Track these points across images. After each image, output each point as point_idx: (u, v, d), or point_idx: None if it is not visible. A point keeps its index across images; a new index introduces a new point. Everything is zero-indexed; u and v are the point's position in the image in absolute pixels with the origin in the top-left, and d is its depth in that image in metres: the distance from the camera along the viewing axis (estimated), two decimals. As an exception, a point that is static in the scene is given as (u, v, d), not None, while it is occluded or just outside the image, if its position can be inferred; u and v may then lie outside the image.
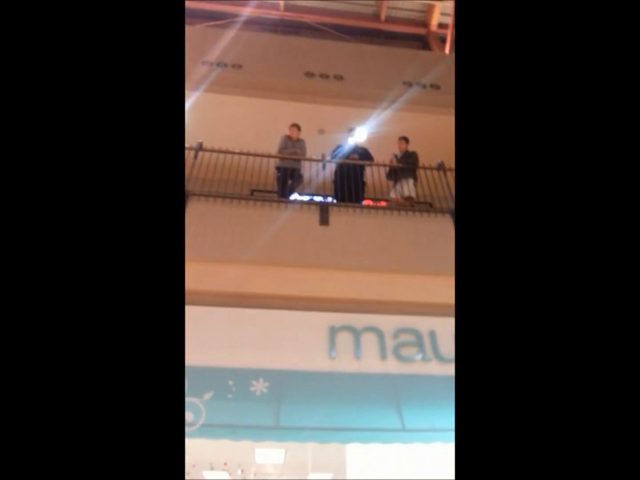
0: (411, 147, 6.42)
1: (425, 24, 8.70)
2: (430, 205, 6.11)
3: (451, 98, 6.76)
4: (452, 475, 3.57)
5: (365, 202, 4.71)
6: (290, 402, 2.81)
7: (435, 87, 6.67)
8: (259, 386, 2.89)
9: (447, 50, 7.71)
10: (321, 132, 6.65)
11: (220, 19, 7.87)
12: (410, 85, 6.57)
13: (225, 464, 6.51)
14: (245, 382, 2.90)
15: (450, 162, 6.58)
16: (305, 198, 4.09)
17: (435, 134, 6.57)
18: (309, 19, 8.36)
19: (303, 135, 6.36)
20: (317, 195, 5.02)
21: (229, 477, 7.33)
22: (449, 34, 7.68)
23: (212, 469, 6.82)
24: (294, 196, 4.31)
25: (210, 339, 3.11)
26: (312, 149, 5.48)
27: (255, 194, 5.95)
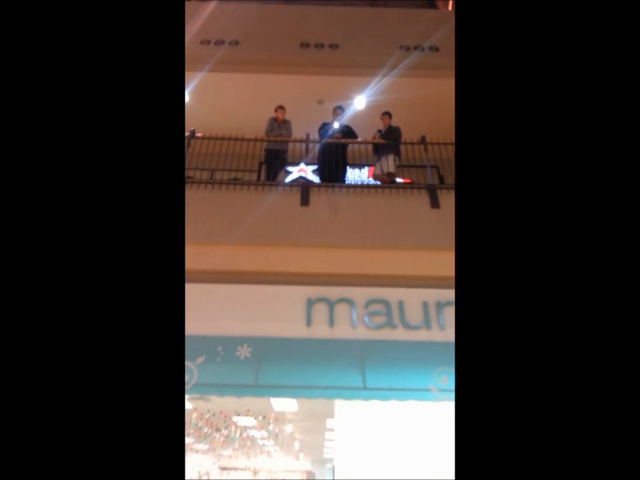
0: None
1: (431, -26, 8.28)
2: (438, 168, 6.25)
3: (450, 60, 6.65)
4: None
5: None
6: (268, 364, 3.30)
7: (434, 49, 6.53)
8: (244, 351, 3.39)
9: (450, 5, 7.38)
10: (320, 102, 6.75)
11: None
12: (407, 49, 6.47)
13: (248, 410, 7.37)
14: (232, 348, 3.41)
15: (447, 129, 6.62)
16: (290, 178, 4.38)
17: (435, 98, 6.52)
18: (309, -20, 8.15)
19: (302, 106, 6.55)
20: (306, 164, 5.32)
21: (255, 422, 8.30)
22: (454, -15, 7.31)
23: (238, 415, 7.75)
24: (280, 176, 4.62)
25: (204, 311, 3.62)
26: (312, 120, 5.69)
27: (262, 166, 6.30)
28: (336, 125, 4.78)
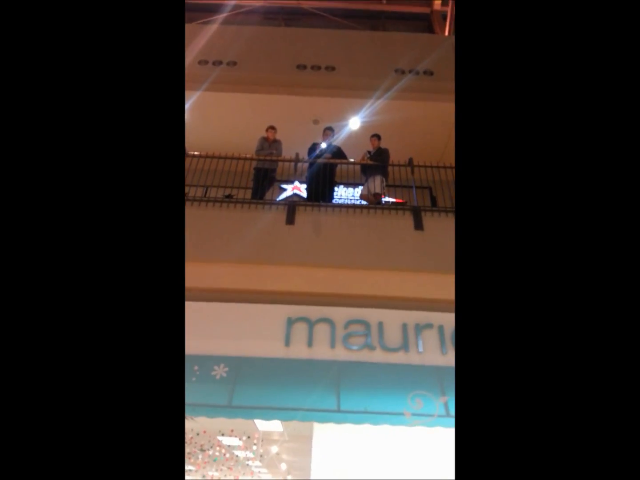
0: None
1: (428, 2, 8.50)
2: (430, 189, 6.29)
3: (444, 84, 6.72)
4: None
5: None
6: (243, 384, 3.26)
7: (428, 73, 6.65)
8: (220, 371, 3.35)
9: (447, 30, 7.55)
10: (316, 122, 6.85)
11: (211, 12, 8.05)
12: (402, 72, 6.59)
13: (232, 430, 7.22)
14: (208, 367, 3.37)
15: (446, 151, 6.71)
16: (284, 195, 4.40)
17: (429, 121, 6.62)
18: (308, 4, 8.39)
19: (298, 126, 6.64)
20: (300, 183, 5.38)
21: (240, 442, 8.13)
22: (449, 11, 7.50)
23: (222, 434, 7.59)
24: (268, 194, 4.66)
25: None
26: (308, 139, 5.76)
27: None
28: (323, 145, 4.84)
